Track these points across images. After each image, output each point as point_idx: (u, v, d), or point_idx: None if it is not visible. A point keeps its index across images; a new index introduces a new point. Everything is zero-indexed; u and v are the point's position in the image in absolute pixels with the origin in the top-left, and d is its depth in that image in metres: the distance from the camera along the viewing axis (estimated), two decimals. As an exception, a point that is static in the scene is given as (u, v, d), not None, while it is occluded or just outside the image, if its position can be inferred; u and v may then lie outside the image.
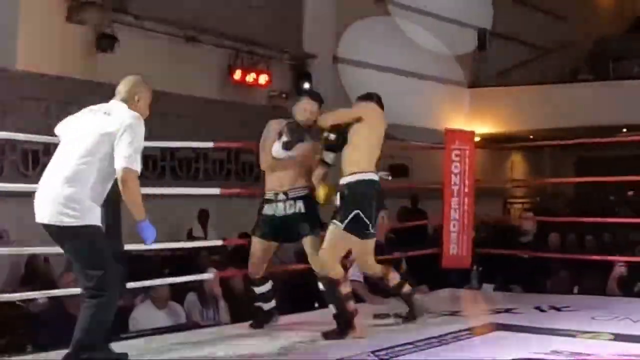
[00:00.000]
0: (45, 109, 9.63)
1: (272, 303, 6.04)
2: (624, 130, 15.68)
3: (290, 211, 5.79)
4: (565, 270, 8.96)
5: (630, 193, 17.22)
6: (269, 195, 5.87)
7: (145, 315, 6.66)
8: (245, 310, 6.88)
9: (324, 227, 5.85)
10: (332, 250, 5.62)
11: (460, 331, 5.95)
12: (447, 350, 5.38)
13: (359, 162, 5.80)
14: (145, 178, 4.62)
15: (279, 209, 5.79)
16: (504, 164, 19.37)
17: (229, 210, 10.84)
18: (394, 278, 6.22)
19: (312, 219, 5.87)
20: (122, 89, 4.64)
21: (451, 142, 8.81)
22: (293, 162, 5.80)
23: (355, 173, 5.75)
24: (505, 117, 16.90)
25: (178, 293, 7.16)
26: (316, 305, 7.21)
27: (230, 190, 8.59)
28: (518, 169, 19.81)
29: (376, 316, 6.60)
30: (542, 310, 6.83)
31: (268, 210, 5.79)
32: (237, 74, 12.70)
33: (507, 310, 6.87)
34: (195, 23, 11.92)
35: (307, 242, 5.85)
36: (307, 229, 5.83)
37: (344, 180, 5.73)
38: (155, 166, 11.36)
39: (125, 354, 4.78)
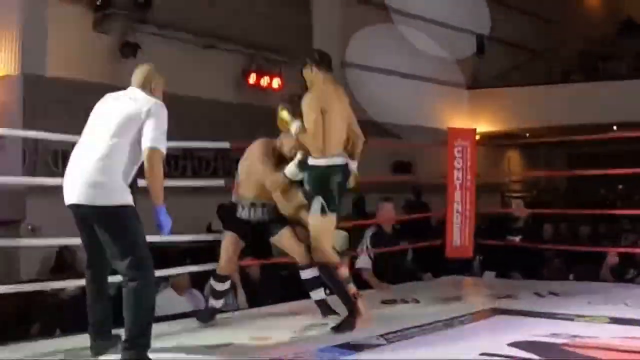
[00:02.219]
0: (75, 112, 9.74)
1: (222, 302, 5.96)
2: (615, 127, 15.68)
3: (265, 216, 5.76)
4: (559, 259, 9.04)
5: (620, 187, 17.30)
6: (245, 202, 5.80)
7: (167, 301, 6.57)
8: (263, 296, 7.00)
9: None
10: (323, 238, 5.50)
11: (464, 315, 5.97)
12: (453, 333, 5.40)
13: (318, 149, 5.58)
14: (167, 177, 4.55)
15: (257, 214, 5.76)
16: (501, 160, 19.35)
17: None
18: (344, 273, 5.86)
19: (282, 220, 5.83)
20: (137, 77, 4.62)
21: (454, 140, 8.87)
22: None
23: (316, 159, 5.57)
24: (503, 117, 16.93)
25: (200, 280, 7.10)
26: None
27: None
28: (515, 165, 19.85)
29: (384, 302, 6.65)
30: (540, 296, 6.84)
31: (244, 214, 5.74)
32: (252, 78, 12.79)
33: (508, 296, 6.89)
34: (212, 31, 12.01)
35: (279, 239, 5.87)
36: (277, 228, 5.82)
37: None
38: (177, 165, 11.44)
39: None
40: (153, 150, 4.33)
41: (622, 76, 16.52)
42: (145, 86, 4.56)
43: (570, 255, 9.11)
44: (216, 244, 6.08)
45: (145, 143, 4.33)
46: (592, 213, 10.62)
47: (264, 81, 12.97)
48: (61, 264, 8.80)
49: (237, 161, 5.93)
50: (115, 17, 10.65)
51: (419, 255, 8.70)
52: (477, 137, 9.58)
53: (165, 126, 4.42)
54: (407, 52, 14.96)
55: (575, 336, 5.10)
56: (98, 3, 10.52)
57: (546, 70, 18.63)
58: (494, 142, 16.98)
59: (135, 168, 4.44)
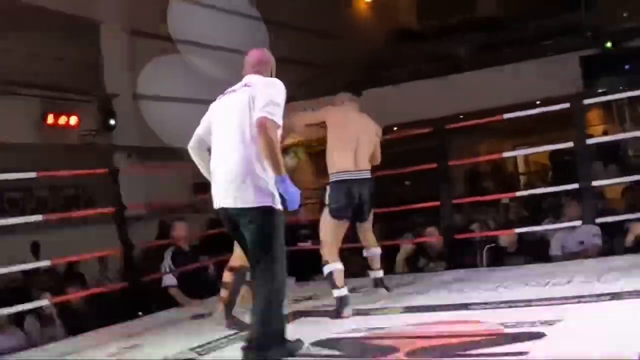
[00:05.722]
0: None
1: None
2: (395, 129, 17.26)
3: None
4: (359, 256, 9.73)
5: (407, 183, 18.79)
6: None
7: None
8: (83, 323, 7.40)
9: None
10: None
11: None
12: None
13: (334, 164, 6.73)
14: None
15: None
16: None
17: (59, 239, 11.42)
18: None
19: None
20: None
21: None
22: None
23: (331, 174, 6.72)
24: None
25: (18, 318, 7.43)
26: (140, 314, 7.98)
27: (52, 216, 8.93)
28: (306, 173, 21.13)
29: (194, 317, 7.27)
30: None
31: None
32: (50, 119, 13.60)
33: (309, 298, 7.46)
34: (8, 78, 12.64)
35: None
36: None
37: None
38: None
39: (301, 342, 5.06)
40: (264, 120, 4.68)
41: (404, 80, 17.69)
42: None
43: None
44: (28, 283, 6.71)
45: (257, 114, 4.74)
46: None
47: (62, 120, 13.77)
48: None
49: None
50: None
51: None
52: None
53: None
54: (195, 78, 15.20)
55: (373, 329, 5.50)
56: None
57: (331, 83, 19.92)
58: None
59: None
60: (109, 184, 8.45)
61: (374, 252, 7.25)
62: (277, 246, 4.79)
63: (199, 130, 5.22)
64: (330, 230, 6.72)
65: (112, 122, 14.59)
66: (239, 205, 4.73)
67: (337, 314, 6.29)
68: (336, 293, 6.41)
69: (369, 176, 6.93)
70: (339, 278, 6.48)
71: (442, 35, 21.32)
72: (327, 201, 6.75)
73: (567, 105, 7.81)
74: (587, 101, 8.68)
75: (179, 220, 9.12)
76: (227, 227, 5.05)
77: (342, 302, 6.35)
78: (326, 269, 6.54)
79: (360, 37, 22.10)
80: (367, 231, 7.22)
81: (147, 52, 15.38)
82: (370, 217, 7.12)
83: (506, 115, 8.44)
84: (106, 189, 8.51)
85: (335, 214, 6.71)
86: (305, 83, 19.21)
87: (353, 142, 6.78)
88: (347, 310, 6.30)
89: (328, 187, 6.77)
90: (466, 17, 22.80)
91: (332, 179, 6.77)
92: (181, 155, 14.07)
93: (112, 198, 8.39)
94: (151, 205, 12.15)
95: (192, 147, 5.24)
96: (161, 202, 12.87)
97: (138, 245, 9.22)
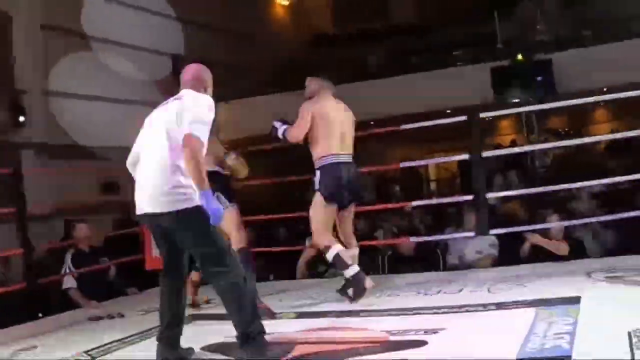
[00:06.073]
0: None
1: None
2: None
3: None
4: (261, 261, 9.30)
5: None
6: None
7: None
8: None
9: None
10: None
11: None
12: (150, 343, 5.59)
13: (321, 150, 6.81)
14: None
15: None
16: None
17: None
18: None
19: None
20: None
21: None
22: None
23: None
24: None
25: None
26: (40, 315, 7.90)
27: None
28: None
29: (91, 319, 7.22)
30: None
31: None
32: None
33: (206, 302, 7.40)
34: None
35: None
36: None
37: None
38: None
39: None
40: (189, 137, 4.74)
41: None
42: None
43: (270, 256, 9.80)
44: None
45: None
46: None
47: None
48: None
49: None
50: None
51: (127, 270, 9.18)
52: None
53: None
54: (108, 77, 15.59)
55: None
56: None
57: (244, 84, 20.09)
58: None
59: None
60: (13, 182, 8.33)
61: (354, 252, 7.15)
62: (219, 239, 4.87)
63: (135, 147, 5.17)
64: (322, 217, 6.82)
65: (22, 118, 14.41)
66: (166, 210, 4.78)
67: (359, 291, 6.53)
68: (350, 271, 6.62)
69: (352, 160, 7.01)
70: (347, 257, 6.66)
71: (357, 41, 21.57)
72: (317, 186, 6.81)
73: (464, 117, 7.91)
74: (483, 114, 8.78)
75: (79, 221, 9.09)
76: (153, 233, 5.14)
77: (358, 277, 6.56)
78: (331, 254, 6.69)
79: (277, 39, 22.40)
80: (350, 220, 7.21)
81: (59, 48, 15.24)
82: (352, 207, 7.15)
83: (403, 126, 8.55)
84: (10, 188, 8.42)
85: (328, 196, 6.77)
86: (219, 84, 19.27)
87: (337, 129, 6.88)
88: (368, 282, 6.57)
89: (318, 172, 6.83)
90: (382, 24, 23.10)
91: (321, 163, 6.84)
92: (91, 154, 14.14)
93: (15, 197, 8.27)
94: (56, 205, 12.06)
95: (129, 164, 5.19)
96: (67, 201, 12.80)
97: (41, 246, 9.26)
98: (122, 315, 7.32)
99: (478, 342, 4.78)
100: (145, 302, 7.76)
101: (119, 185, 14.69)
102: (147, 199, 4.87)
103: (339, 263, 6.67)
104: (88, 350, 5.70)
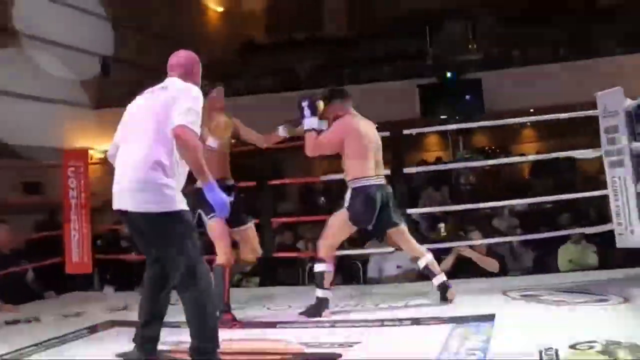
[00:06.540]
0: None
1: None
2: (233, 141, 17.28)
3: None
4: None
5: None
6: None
7: None
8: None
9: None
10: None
11: (80, 330, 6.38)
12: (67, 348, 5.76)
13: (355, 171, 6.61)
14: None
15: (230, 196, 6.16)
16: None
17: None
18: None
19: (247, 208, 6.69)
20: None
21: (67, 161, 9.43)
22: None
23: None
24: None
25: None
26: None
27: None
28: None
29: (7, 323, 7.04)
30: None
31: None
32: None
33: (124, 308, 7.40)
34: None
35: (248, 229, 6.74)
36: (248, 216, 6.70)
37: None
38: None
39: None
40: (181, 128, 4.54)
41: (240, 93, 18.15)
42: None
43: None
44: None
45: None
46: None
47: None
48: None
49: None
50: None
51: (45, 274, 9.02)
52: (102, 155, 10.01)
53: None
54: (34, 75, 15.42)
55: (180, 342, 5.40)
56: None
57: None
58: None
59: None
60: None
61: (425, 260, 6.94)
62: (191, 247, 4.62)
63: (116, 138, 4.93)
64: (339, 229, 6.69)
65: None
66: (142, 210, 4.56)
67: (315, 313, 6.45)
68: (321, 293, 6.55)
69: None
70: (328, 279, 6.59)
71: (288, 50, 21.61)
72: (346, 204, 6.65)
73: (387, 133, 7.93)
74: (407, 131, 8.83)
75: (1, 222, 8.87)
76: (129, 229, 4.99)
77: (322, 303, 6.51)
78: (319, 267, 6.61)
79: (209, 46, 22.15)
80: (406, 237, 7.02)
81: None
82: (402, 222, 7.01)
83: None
84: None
85: (354, 221, 6.64)
86: (149, 87, 19.15)
87: (371, 150, 6.71)
88: (326, 312, 6.48)
89: (349, 192, 6.67)
90: (313, 35, 23.17)
91: (354, 185, 6.64)
92: (12, 152, 13.92)
93: None
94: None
95: (110, 155, 4.95)
96: (-13, 201, 12.57)
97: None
98: (39, 320, 7.19)
99: (392, 356, 4.87)
100: (63, 307, 7.73)
101: (43, 185, 14.53)
102: (119, 193, 4.65)
103: (318, 279, 6.61)
104: (2, 355, 5.61)
